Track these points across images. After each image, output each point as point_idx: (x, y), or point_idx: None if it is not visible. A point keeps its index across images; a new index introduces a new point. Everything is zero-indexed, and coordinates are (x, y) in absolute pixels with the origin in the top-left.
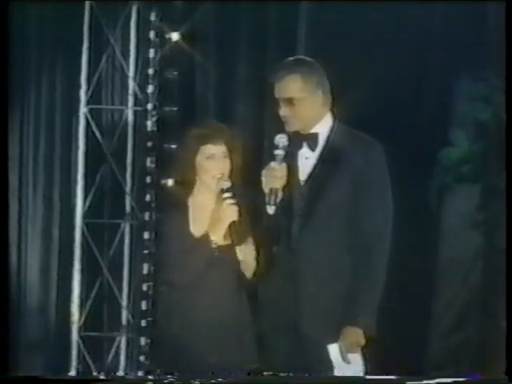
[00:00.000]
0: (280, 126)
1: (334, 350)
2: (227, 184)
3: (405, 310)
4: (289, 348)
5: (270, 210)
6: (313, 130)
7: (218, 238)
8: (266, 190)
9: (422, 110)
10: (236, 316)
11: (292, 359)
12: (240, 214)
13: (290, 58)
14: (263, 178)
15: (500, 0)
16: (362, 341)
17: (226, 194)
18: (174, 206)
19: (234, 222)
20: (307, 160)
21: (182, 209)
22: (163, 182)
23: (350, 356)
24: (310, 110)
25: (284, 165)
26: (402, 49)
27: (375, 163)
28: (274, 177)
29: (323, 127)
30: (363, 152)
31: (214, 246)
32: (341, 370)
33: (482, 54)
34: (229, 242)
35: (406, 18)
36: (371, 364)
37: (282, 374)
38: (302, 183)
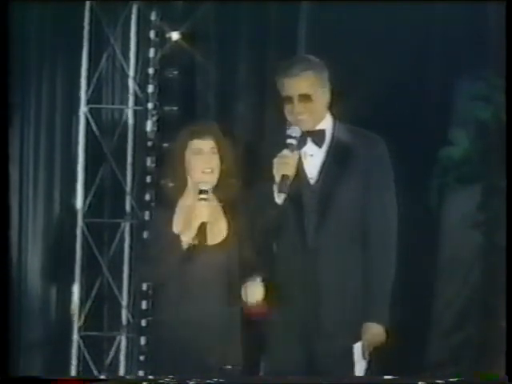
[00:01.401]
0: (282, 125)
1: (357, 348)
2: (207, 185)
3: (405, 309)
4: (305, 348)
5: (279, 199)
6: (318, 127)
7: (187, 239)
8: (277, 177)
9: (423, 110)
10: (222, 315)
11: (308, 359)
12: (213, 216)
13: (298, 56)
14: (275, 166)
15: (500, 0)
16: (384, 338)
17: (202, 195)
18: (164, 205)
19: (203, 223)
20: (313, 157)
21: (171, 209)
22: (163, 181)
23: (368, 353)
24: (320, 107)
25: (296, 153)
26: (402, 49)
27: (381, 159)
28: (286, 164)
29: (327, 125)
30: (368, 148)
31: (184, 246)
32: (359, 367)
33: (482, 54)
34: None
35: (406, 18)
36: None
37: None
38: (311, 181)
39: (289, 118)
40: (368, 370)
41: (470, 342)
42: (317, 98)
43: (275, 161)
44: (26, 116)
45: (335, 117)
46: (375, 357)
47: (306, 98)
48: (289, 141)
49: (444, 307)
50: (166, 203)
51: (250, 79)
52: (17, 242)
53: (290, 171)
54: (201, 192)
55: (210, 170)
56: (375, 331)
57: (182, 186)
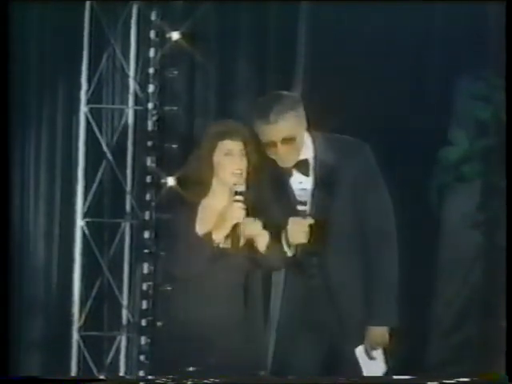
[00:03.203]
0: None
1: (360, 351)
2: (241, 188)
3: (405, 309)
4: (309, 350)
5: (289, 253)
6: (301, 157)
7: (219, 237)
8: (293, 244)
9: (423, 110)
10: (241, 316)
11: (314, 361)
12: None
13: (272, 96)
14: (289, 233)
15: (500, 0)
16: (387, 339)
17: (238, 197)
18: (183, 205)
19: (237, 223)
20: (301, 184)
21: (192, 209)
22: (163, 181)
23: (374, 352)
24: (301, 141)
25: (309, 219)
26: (402, 49)
27: (366, 163)
28: (302, 232)
29: (308, 152)
30: (352, 156)
31: (215, 244)
32: (367, 368)
33: (482, 53)
34: (229, 243)
35: (406, 17)
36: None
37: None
38: (306, 211)
39: (272, 157)
40: (387, 371)
41: (470, 342)
42: (299, 135)
43: (289, 228)
44: (26, 116)
45: (314, 137)
46: (388, 357)
47: (289, 140)
48: (299, 207)
49: (444, 307)
50: (186, 203)
51: (250, 79)
52: (17, 242)
53: (306, 238)
54: (236, 193)
55: (239, 172)
56: (378, 332)
57: (207, 187)
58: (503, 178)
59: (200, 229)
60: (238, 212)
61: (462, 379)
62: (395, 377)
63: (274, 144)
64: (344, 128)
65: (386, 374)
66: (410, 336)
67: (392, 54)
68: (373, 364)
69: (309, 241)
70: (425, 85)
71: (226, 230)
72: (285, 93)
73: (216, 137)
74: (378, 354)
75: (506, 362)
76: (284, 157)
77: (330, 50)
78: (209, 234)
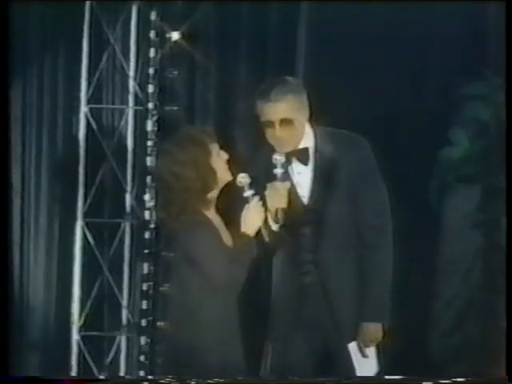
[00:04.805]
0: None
1: (353, 347)
2: (247, 180)
3: (405, 309)
4: (304, 347)
5: (275, 227)
6: (301, 146)
7: (255, 229)
8: (272, 210)
9: (423, 110)
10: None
11: (309, 358)
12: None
13: (276, 78)
14: (268, 199)
15: (500, 0)
16: (380, 336)
17: (248, 192)
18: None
19: (266, 218)
20: (300, 175)
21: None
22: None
23: (368, 350)
24: (300, 127)
25: (287, 183)
26: (402, 49)
27: (365, 159)
28: (280, 196)
29: (309, 141)
30: (352, 151)
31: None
32: (360, 365)
33: (481, 53)
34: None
35: (406, 17)
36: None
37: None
38: (304, 199)
39: (270, 141)
40: (380, 370)
41: (470, 342)
42: (297, 120)
43: (267, 193)
44: (26, 116)
45: (315, 128)
46: (387, 357)
47: (287, 122)
48: (275, 171)
49: (444, 307)
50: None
51: (249, 79)
52: (18, 242)
53: (284, 203)
54: (244, 190)
55: (228, 167)
56: (371, 329)
57: (213, 189)
58: (503, 178)
59: (227, 238)
60: (259, 205)
61: (457, 379)
62: (388, 377)
63: (271, 124)
64: (344, 127)
65: (379, 372)
66: (410, 336)
67: (392, 54)
68: (366, 362)
69: (288, 206)
70: (425, 85)
71: (259, 223)
72: (289, 77)
73: (205, 141)
74: (371, 351)
75: (506, 361)
76: (282, 140)
77: (330, 50)
78: (246, 239)
